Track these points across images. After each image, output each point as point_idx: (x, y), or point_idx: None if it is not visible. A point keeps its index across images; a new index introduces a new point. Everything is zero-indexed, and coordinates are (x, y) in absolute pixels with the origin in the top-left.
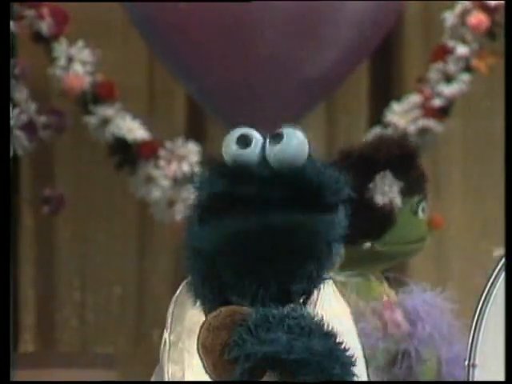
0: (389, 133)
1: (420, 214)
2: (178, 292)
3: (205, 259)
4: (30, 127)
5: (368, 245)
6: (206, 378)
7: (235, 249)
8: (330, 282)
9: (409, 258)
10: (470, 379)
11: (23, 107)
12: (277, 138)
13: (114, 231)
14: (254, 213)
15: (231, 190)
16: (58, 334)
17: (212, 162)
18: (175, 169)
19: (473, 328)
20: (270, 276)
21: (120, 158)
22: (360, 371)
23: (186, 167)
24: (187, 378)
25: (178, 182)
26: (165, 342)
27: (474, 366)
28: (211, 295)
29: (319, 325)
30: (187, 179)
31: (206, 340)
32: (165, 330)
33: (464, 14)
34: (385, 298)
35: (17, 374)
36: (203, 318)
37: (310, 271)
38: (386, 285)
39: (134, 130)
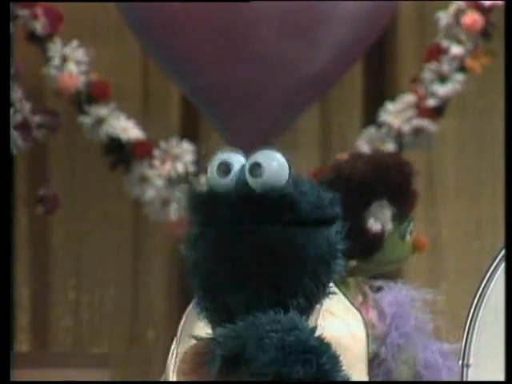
0: (387, 154)
1: (407, 237)
2: (189, 307)
3: (200, 274)
4: (24, 127)
5: (353, 263)
6: None
7: (225, 264)
8: (335, 290)
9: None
10: (464, 379)
11: (17, 107)
12: (255, 169)
13: (108, 231)
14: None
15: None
16: (52, 334)
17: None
18: (169, 168)
19: (467, 327)
20: (263, 290)
21: (114, 158)
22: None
23: (180, 167)
24: None
25: (173, 181)
26: (172, 352)
27: (467, 365)
28: (214, 308)
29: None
30: (182, 179)
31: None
32: (174, 341)
33: (458, 13)
34: (359, 299)
35: (12, 374)
36: (209, 331)
37: (305, 286)
38: (361, 284)
39: (128, 129)
